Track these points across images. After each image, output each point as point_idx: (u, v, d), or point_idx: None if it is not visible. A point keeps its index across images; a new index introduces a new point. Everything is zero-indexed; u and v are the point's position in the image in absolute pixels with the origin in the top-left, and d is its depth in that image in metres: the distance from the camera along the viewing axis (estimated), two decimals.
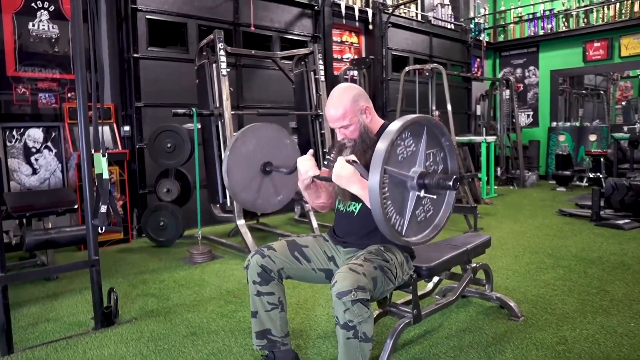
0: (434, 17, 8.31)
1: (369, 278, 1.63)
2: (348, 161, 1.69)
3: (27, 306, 2.84)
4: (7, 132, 4.24)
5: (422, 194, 1.59)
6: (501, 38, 9.72)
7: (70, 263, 2.89)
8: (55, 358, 2.17)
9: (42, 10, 4.37)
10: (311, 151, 1.93)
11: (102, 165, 2.44)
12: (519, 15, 9.37)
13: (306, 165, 1.88)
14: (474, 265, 2.51)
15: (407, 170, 1.56)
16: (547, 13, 8.94)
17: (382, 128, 1.89)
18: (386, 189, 1.49)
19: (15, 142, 4.29)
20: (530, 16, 9.19)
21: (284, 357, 1.91)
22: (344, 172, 1.69)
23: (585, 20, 8.51)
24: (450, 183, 1.50)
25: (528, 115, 9.45)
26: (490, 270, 2.63)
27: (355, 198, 1.86)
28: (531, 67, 9.43)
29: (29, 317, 2.66)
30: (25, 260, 3.70)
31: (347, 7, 6.67)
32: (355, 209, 1.89)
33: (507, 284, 3.06)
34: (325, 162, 1.93)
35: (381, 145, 1.48)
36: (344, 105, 1.81)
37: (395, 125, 1.51)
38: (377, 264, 1.72)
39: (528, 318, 2.49)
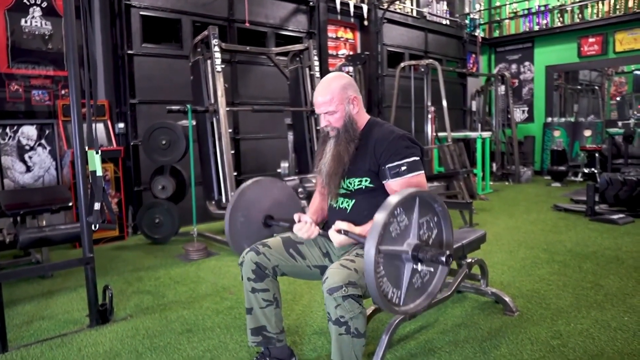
0: (429, 13, 8.30)
1: (361, 274, 1.63)
2: (339, 231, 1.70)
3: (22, 304, 2.82)
4: (1, 130, 4.21)
5: (417, 267, 1.59)
6: (496, 34, 9.73)
7: (64, 261, 2.87)
8: (50, 356, 2.16)
9: (34, 7, 4.34)
10: (305, 218, 1.87)
11: (95, 162, 2.43)
12: (514, 10, 9.38)
13: (305, 231, 1.84)
14: (469, 260, 2.52)
15: (400, 244, 1.55)
16: (542, 9, 8.95)
17: (368, 124, 1.88)
18: (381, 267, 1.49)
19: (9, 139, 4.26)
20: (525, 12, 9.20)
21: (279, 353, 1.92)
22: (341, 241, 1.71)
23: (580, 15, 8.53)
24: (443, 259, 1.49)
25: (523, 111, 9.47)
26: (485, 265, 2.64)
27: (345, 194, 1.86)
28: (526, 63, 9.44)
29: (23, 315, 2.65)
30: (19, 258, 3.68)
31: (342, 3, 6.65)
32: (348, 206, 1.88)
33: (502, 279, 3.08)
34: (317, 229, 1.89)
35: (379, 217, 1.46)
36: (331, 91, 1.80)
37: (393, 200, 1.49)
38: None
39: (523, 313, 2.50)
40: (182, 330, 2.41)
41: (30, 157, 4.38)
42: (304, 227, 1.84)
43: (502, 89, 8.19)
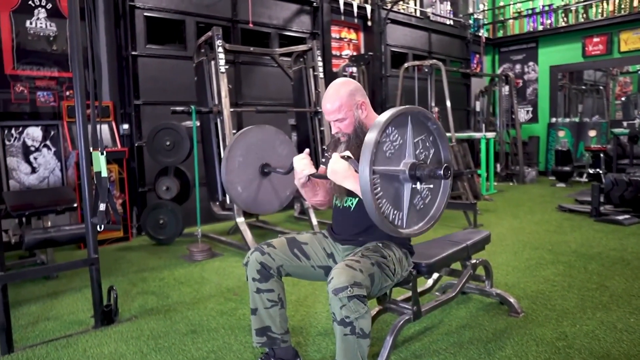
0: (432, 13, 8.29)
1: (366, 274, 1.63)
2: (342, 157, 1.69)
3: (27, 305, 2.84)
4: (6, 131, 4.23)
5: (417, 185, 1.59)
6: (500, 34, 9.71)
7: (70, 262, 2.89)
8: (55, 356, 2.17)
9: (39, 8, 4.35)
10: (307, 150, 1.92)
11: (100, 163, 2.43)
12: (518, 10, 9.36)
13: (302, 164, 1.88)
14: (473, 261, 2.51)
15: (397, 164, 1.55)
16: (546, 8, 8.92)
17: None
18: (378, 188, 1.48)
19: (14, 140, 4.28)
20: (529, 12, 9.17)
21: (283, 354, 1.91)
22: (338, 167, 1.68)
23: (585, 15, 8.50)
24: (441, 172, 1.49)
25: (527, 111, 9.44)
26: (490, 266, 2.63)
27: (351, 193, 1.86)
28: (530, 63, 9.41)
29: (29, 316, 2.66)
30: (24, 259, 3.70)
31: (346, 4, 6.65)
32: (352, 204, 1.89)
33: (507, 280, 3.07)
34: (323, 160, 1.93)
35: (370, 136, 1.47)
36: (340, 98, 1.81)
37: (382, 117, 1.50)
38: (374, 260, 1.72)
39: (528, 314, 2.49)
40: (187, 331, 2.41)
41: (35, 158, 4.39)
42: (304, 160, 1.86)
43: (506, 89, 8.18)
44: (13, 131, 4.27)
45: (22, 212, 3.33)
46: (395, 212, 1.54)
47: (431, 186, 1.65)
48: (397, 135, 1.54)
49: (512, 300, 2.53)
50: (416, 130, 1.59)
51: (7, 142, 4.24)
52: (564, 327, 2.32)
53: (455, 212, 4.86)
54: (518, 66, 9.56)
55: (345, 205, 1.91)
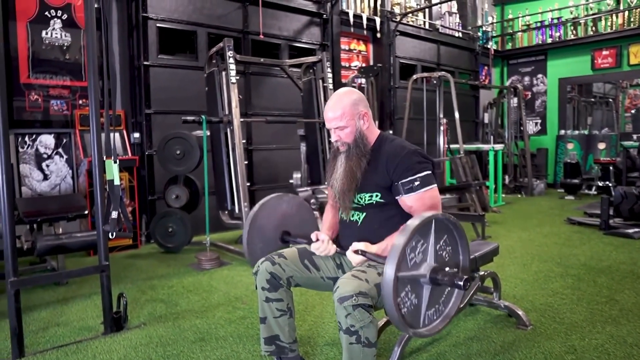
0: (441, 26, 8.34)
1: (372, 284, 1.64)
2: (356, 252, 1.75)
3: (38, 310, 2.87)
4: (20, 138, 4.30)
5: (435, 289, 1.63)
6: (509, 46, 9.73)
7: (81, 268, 2.91)
8: None
9: (55, 19, 4.44)
10: (322, 237, 1.90)
11: (113, 171, 2.47)
12: (527, 23, 9.38)
13: (322, 251, 1.88)
14: (481, 273, 2.51)
15: (418, 268, 1.58)
16: (555, 21, 8.94)
17: (379, 140, 1.90)
18: (403, 293, 1.54)
19: (27, 148, 4.35)
20: (538, 24, 9.20)
21: None
22: (358, 261, 1.76)
23: (594, 28, 8.50)
24: (461, 283, 1.52)
25: (536, 123, 9.43)
26: (498, 278, 2.63)
27: (357, 208, 1.88)
28: (539, 75, 9.42)
29: (39, 322, 2.69)
30: (35, 265, 3.74)
31: (355, 16, 6.72)
32: (359, 219, 1.90)
33: (516, 292, 3.05)
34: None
35: (399, 240, 1.49)
36: (342, 106, 1.83)
37: (413, 222, 1.53)
38: (381, 270, 1.72)
39: (536, 327, 2.48)
40: (195, 339, 2.42)
41: (47, 166, 4.46)
42: (322, 245, 1.88)
43: (514, 101, 8.18)
44: (27, 139, 4.34)
45: (34, 219, 3.37)
46: (409, 309, 1.58)
47: (446, 293, 1.69)
48: (420, 243, 1.57)
49: (520, 312, 2.53)
50: (439, 233, 1.63)
51: (20, 150, 4.31)
52: (573, 341, 2.31)
53: (463, 223, 4.83)
54: (527, 78, 9.57)
55: (352, 219, 1.92)
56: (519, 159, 8.22)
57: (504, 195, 7.36)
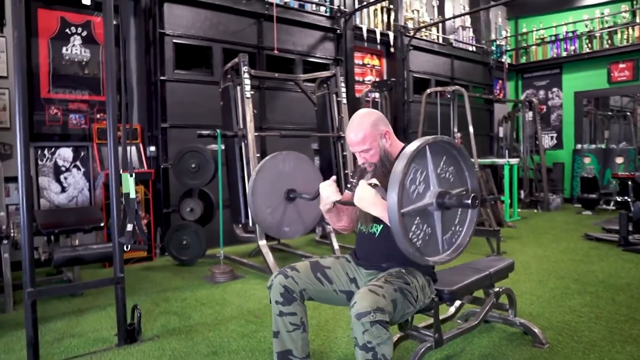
0: (455, 40, 8.36)
1: (389, 300, 1.63)
2: (370, 184, 1.72)
3: (54, 321, 2.90)
4: (39, 151, 4.39)
5: (444, 214, 1.61)
6: (523, 60, 9.69)
7: (96, 280, 2.95)
8: None
9: (75, 36, 4.56)
10: (334, 177, 1.96)
11: (129, 184, 2.50)
12: (541, 37, 9.35)
13: (328, 190, 1.91)
14: (497, 289, 2.48)
15: (423, 197, 1.58)
16: (570, 35, 8.90)
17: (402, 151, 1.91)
18: (414, 227, 1.54)
19: (46, 160, 4.44)
20: (553, 38, 9.16)
21: None
22: (365, 194, 1.72)
23: (610, 41, 8.44)
24: (469, 201, 1.51)
25: (552, 137, 9.34)
26: (513, 294, 2.59)
27: (376, 220, 1.87)
28: (554, 89, 9.35)
29: (54, 332, 2.72)
30: (52, 276, 3.79)
31: (369, 31, 6.77)
32: (377, 230, 1.90)
33: (531, 309, 3.00)
34: (348, 186, 1.96)
35: (397, 166, 1.52)
36: (364, 130, 1.85)
37: (409, 148, 1.55)
38: (397, 286, 1.72)
39: (553, 345, 2.44)
40: (208, 352, 2.42)
41: (65, 178, 4.54)
42: (330, 187, 1.89)
43: (529, 115, 8.11)
44: (46, 152, 4.43)
45: (52, 230, 3.43)
46: (423, 240, 1.57)
47: (459, 214, 1.67)
48: (418, 172, 1.57)
49: (536, 330, 2.48)
50: (438, 158, 1.62)
51: (39, 162, 4.40)
52: None
53: (478, 238, 4.79)
54: (542, 92, 9.51)
55: (370, 231, 1.92)
56: (535, 174, 8.13)
57: (519, 210, 7.27)
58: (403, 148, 1.92)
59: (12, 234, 3.07)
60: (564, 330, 2.63)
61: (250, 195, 2.05)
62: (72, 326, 2.83)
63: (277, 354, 1.89)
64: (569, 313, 2.91)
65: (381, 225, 1.88)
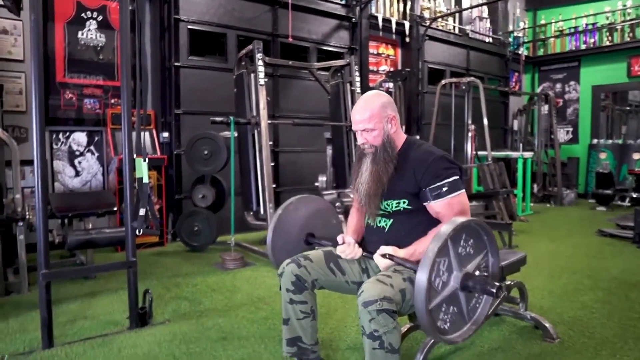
0: (471, 31, 8.24)
1: (397, 290, 1.63)
2: (384, 256, 1.74)
3: (67, 303, 2.94)
4: (54, 136, 4.43)
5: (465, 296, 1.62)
6: (541, 52, 9.53)
7: (109, 263, 2.98)
8: (91, 354, 2.24)
9: (91, 20, 4.57)
10: (348, 239, 1.90)
11: (143, 169, 2.52)
12: (560, 29, 9.17)
13: (350, 253, 1.87)
14: (508, 282, 2.46)
15: (449, 276, 1.58)
16: (590, 27, 8.72)
17: (405, 144, 1.88)
18: (441, 315, 1.56)
19: (61, 145, 4.48)
20: (572, 30, 8.98)
21: None
22: (386, 265, 1.75)
23: (631, 34, 8.25)
24: (493, 290, 1.52)
25: (567, 132, 9.20)
26: (525, 288, 2.57)
27: (385, 214, 1.86)
28: (572, 82, 9.19)
29: (68, 314, 2.76)
30: (65, 259, 3.85)
31: (384, 20, 6.69)
32: (386, 224, 1.88)
33: (543, 303, 2.98)
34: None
35: (434, 244, 1.49)
36: (371, 109, 1.82)
37: (445, 230, 1.53)
38: (406, 276, 1.71)
39: (564, 340, 2.42)
40: (218, 338, 2.44)
41: (79, 163, 4.58)
42: (347, 249, 1.86)
43: (545, 108, 8.00)
44: (61, 136, 4.47)
45: (66, 214, 3.47)
46: (451, 321, 1.58)
47: (477, 294, 1.67)
48: (442, 260, 1.55)
49: (547, 324, 2.46)
50: (469, 239, 1.62)
51: (54, 146, 4.44)
52: (603, 357, 2.24)
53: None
54: (558, 85, 9.35)
55: (379, 225, 1.91)
56: (549, 168, 8.03)
57: (532, 205, 7.20)
58: (406, 140, 1.89)
59: (27, 216, 3.11)
60: (576, 326, 2.61)
61: (270, 253, 2.08)
62: (84, 308, 2.87)
63: (287, 341, 1.90)
64: (581, 309, 2.89)
65: (390, 220, 1.86)
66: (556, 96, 8.91)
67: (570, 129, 9.19)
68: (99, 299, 3.04)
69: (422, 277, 1.46)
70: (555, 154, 7.88)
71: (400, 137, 1.90)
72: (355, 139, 4.73)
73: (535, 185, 7.85)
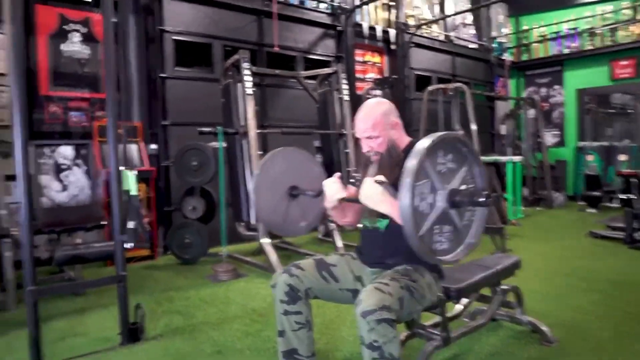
0: (456, 37, 8.32)
1: (395, 298, 1.60)
2: (376, 181, 1.67)
3: (56, 320, 2.87)
4: (40, 149, 4.35)
5: (455, 212, 1.58)
6: (525, 57, 9.65)
7: (99, 279, 2.93)
8: None
9: (74, 32, 4.52)
10: (338, 174, 1.92)
11: (131, 182, 2.47)
12: (542, 34, 9.30)
13: (333, 188, 1.87)
14: (504, 287, 2.45)
15: (434, 205, 1.56)
16: (572, 32, 8.85)
17: (410, 146, 1.87)
18: (436, 236, 1.53)
19: (47, 159, 4.40)
20: (554, 35, 9.11)
21: None
22: (372, 192, 1.67)
23: (612, 38, 8.39)
24: (482, 199, 1.48)
25: (554, 135, 9.30)
26: (521, 292, 2.56)
27: (381, 215, 1.84)
28: (556, 86, 9.31)
29: (57, 332, 2.69)
30: (54, 274, 3.75)
31: (370, 28, 6.73)
32: (382, 226, 1.86)
33: (539, 307, 2.96)
34: (352, 181, 1.92)
35: (410, 162, 1.48)
36: (373, 117, 1.82)
37: (422, 144, 1.51)
38: (403, 284, 1.68)
39: (562, 344, 2.40)
40: (212, 352, 2.39)
41: (66, 176, 4.50)
42: (335, 184, 1.85)
43: (532, 112, 8.08)
44: (46, 150, 4.39)
45: (53, 229, 3.40)
46: (449, 240, 1.54)
47: (469, 212, 1.64)
48: (423, 181, 1.54)
49: (544, 328, 2.45)
50: (437, 155, 1.59)
51: (40, 161, 4.36)
52: (602, 359, 2.22)
53: (482, 236, 4.75)
54: (544, 89, 9.46)
55: (374, 225, 1.89)
56: (538, 171, 8.09)
57: (523, 208, 7.23)
58: (410, 143, 1.89)
59: (13, 233, 3.03)
60: (572, 329, 2.60)
61: (253, 194, 2.01)
62: (74, 325, 2.80)
63: (282, 353, 1.86)
64: (577, 311, 2.88)
65: (386, 221, 1.84)
66: (542, 100, 9.01)
67: (557, 132, 9.29)
68: (89, 315, 2.96)
69: (404, 203, 1.44)
70: (543, 158, 7.94)
71: (404, 141, 1.91)
72: (345, 147, 4.75)
73: (525, 189, 7.89)
